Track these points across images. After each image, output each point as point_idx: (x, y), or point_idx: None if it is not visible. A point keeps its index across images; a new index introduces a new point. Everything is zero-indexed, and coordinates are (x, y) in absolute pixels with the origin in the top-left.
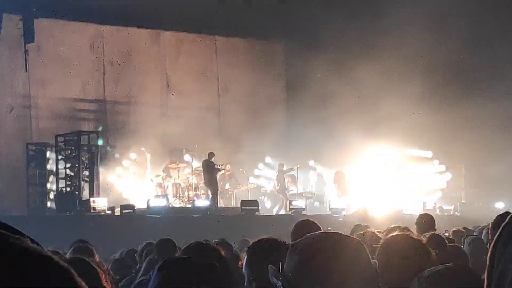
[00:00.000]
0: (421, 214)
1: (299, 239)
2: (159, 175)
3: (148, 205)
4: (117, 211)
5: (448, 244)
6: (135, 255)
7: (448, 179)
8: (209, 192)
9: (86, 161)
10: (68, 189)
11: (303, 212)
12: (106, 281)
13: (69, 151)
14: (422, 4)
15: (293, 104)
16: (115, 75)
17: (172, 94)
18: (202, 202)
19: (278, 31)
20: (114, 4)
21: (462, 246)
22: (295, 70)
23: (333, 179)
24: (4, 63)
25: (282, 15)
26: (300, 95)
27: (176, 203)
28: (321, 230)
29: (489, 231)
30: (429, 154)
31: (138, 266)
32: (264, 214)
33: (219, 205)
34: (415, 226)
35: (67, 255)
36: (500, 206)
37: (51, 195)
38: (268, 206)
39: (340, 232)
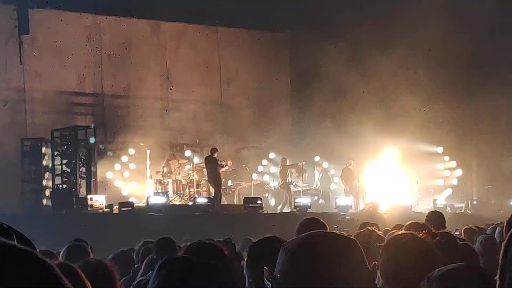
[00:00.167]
0: (431, 212)
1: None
2: (159, 172)
3: (147, 203)
4: (116, 209)
5: (459, 243)
6: (133, 254)
7: (459, 176)
8: (212, 189)
9: (83, 157)
10: (64, 186)
11: (308, 210)
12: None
13: (65, 147)
14: None
15: (299, 97)
16: (113, 67)
17: (170, 89)
18: (204, 200)
19: (283, 21)
20: None
21: (474, 245)
22: (301, 62)
23: (340, 175)
24: None
25: (287, 4)
26: (306, 89)
27: (177, 201)
28: (327, 229)
29: (503, 230)
30: (440, 149)
31: (135, 266)
32: (268, 212)
33: (221, 203)
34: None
35: (61, 255)
36: None
37: (47, 192)
38: (273, 204)
39: (336, 231)
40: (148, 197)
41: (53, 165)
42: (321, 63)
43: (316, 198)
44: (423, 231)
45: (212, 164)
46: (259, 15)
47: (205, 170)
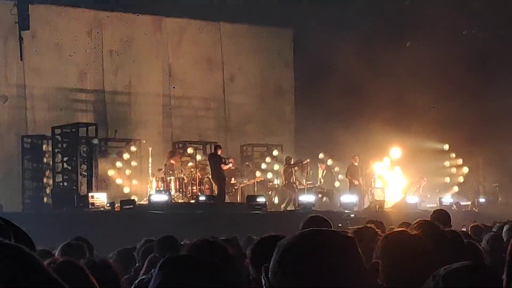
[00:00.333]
0: (436, 210)
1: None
2: (161, 169)
3: (149, 201)
4: (117, 207)
5: (465, 241)
6: (134, 252)
7: (466, 173)
8: (215, 187)
9: (84, 155)
10: (65, 183)
11: (313, 208)
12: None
13: (66, 144)
14: None
15: (303, 94)
16: (114, 64)
17: (173, 87)
18: (206, 198)
19: (287, 16)
20: None
21: (481, 243)
22: (305, 58)
23: (345, 173)
24: None
25: None
26: (310, 85)
27: (179, 199)
28: (330, 227)
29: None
30: (446, 146)
31: (137, 264)
32: (272, 210)
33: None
34: None
35: (56, 255)
36: None
37: (48, 190)
38: (276, 202)
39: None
40: (150, 195)
41: (54, 162)
42: (327, 59)
43: (320, 195)
44: (428, 229)
45: (216, 161)
46: (262, 11)
47: (208, 167)
